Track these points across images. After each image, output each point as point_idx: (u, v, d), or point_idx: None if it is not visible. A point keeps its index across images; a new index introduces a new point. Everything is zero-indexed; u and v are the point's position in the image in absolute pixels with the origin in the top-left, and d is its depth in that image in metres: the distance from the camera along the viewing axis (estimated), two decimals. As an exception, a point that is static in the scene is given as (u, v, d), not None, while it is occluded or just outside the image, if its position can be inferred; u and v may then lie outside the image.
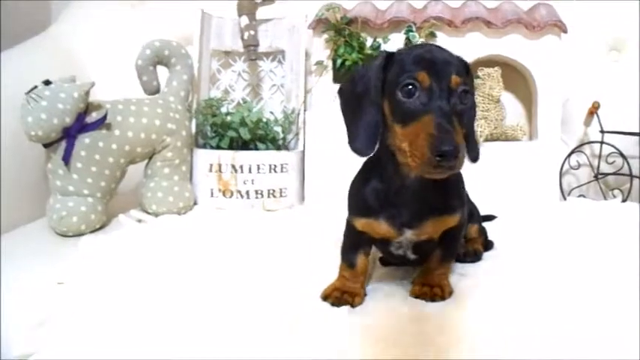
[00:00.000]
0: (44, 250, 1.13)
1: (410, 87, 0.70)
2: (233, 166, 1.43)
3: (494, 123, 1.50)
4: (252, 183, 1.44)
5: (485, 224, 1.11)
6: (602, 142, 1.57)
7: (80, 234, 1.22)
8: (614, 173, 1.56)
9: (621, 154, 1.52)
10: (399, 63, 0.73)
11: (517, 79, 1.59)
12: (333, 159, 1.46)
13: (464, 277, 0.92)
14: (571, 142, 1.64)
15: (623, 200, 1.51)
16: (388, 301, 0.81)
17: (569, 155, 1.60)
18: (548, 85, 1.50)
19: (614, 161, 1.55)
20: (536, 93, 1.52)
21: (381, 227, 0.80)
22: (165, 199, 1.37)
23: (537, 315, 0.76)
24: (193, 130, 1.52)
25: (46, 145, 1.23)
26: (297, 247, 1.12)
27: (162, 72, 1.50)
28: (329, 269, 0.91)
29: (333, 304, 0.79)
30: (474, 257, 1.00)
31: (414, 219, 0.79)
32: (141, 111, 1.35)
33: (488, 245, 1.08)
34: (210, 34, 1.64)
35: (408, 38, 1.44)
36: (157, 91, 1.48)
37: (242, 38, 1.59)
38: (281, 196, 1.48)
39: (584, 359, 0.65)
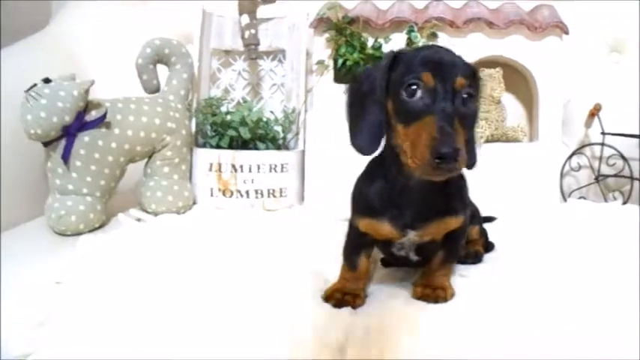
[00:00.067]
0: (43, 249, 1.12)
1: (414, 87, 0.69)
2: (233, 166, 1.43)
3: (494, 124, 1.50)
4: (252, 182, 1.43)
5: (485, 225, 1.11)
6: (602, 144, 1.57)
7: (79, 233, 1.21)
8: (614, 175, 1.56)
9: (622, 156, 1.52)
10: (405, 63, 0.72)
11: (518, 80, 1.59)
12: (333, 159, 1.46)
13: (465, 278, 0.92)
14: (571, 143, 1.64)
15: (624, 202, 1.51)
16: (390, 303, 0.81)
17: (570, 157, 1.60)
18: (550, 87, 1.50)
19: (614, 163, 1.55)
20: (537, 94, 1.52)
21: (383, 228, 0.79)
22: (164, 198, 1.36)
23: (538, 316, 0.76)
24: (193, 129, 1.51)
25: (45, 144, 1.22)
26: (297, 247, 1.12)
27: (162, 70, 1.49)
28: (329, 269, 0.91)
29: (334, 306, 0.79)
30: (475, 259, 1.00)
31: (417, 220, 0.78)
32: (140, 110, 1.34)
33: (488, 247, 1.08)
34: (211, 32, 1.63)
35: (409, 38, 1.44)
36: (156, 89, 1.47)
37: (242, 37, 1.58)
38: (281, 195, 1.47)
39: (585, 360, 0.65)
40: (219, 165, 1.43)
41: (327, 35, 1.51)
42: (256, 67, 1.69)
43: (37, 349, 0.71)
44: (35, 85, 1.19)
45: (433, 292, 0.82)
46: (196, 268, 0.96)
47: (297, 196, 1.52)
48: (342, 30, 1.47)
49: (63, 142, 1.21)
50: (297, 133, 1.57)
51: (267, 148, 1.48)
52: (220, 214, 1.38)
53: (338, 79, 1.52)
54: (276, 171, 1.45)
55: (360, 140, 0.76)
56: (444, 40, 1.47)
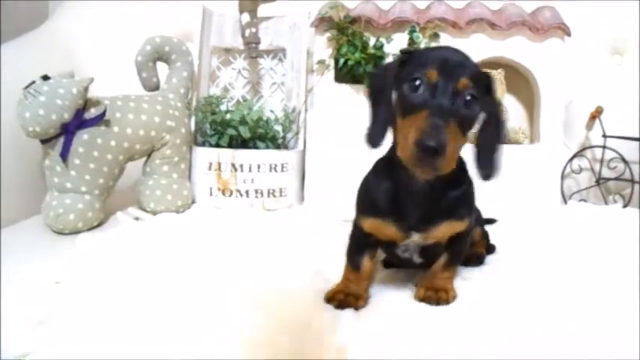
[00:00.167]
0: (41, 247, 1.12)
1: (417, 82, 0.70)
2: (233, 165, 1.42)
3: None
4: (252, 182, 1.42)
5: (486, 228, 1.11)
6: (604, 147, 1.56)
7: (77, 231, 1.20)
8: (615, 178, 1.55)
9: (623, 159, 1.52)
10: (415, 60, 0.73)
11: (519, 81, 1.59)
12: (333, 159, 1.46)
13: (467, 280, 0.92)
14: (573, 145, 1.64)
15: (624, 205, 1.51)
16: (392, 305, 0.81)
17: (571, 159, 1.59)
18: (551, 88, 1.49)
19: (615, 166, 1.55)
20: (538, 96, 1.52)
21: (388, 229, 0.79)
22: (163, 197, 1.35)
23: (539, 319, 0.76)
24: (192, 127, 1.50)
25: (43, 142, 1.21)
26: (297, 247, 1.12)
27: (161, 68, 1.48)
28: (329, 270, 0.90)
29: (336, 307, 0.78)
30: (477, 261, 1.00)
31: (422, 222, 0.78)
32: (140, 108, 1.33)
33: (490, 249, 1.08)
34: (211, 30, 1.62)
35: (411, 38, 1.43)
36: (156, 87, 1.46)
37: (243, 35, 1.57)
38: (281, 195, 1.46)
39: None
40: (219, 164, 1.42)
41: (328, 34, 1.50)
42: (256, 65, 1.68)
43: (36, 349, 0.71)
44: (33, 82, 1.18)
45: (435, 294, 0.81)
46: (195, 268, 0.96)
47: (297, 195, 1.52)
48: (344, 29, 1.46)
49: (61, 140, 1.20)
50: (298, 133, 1.56)
51: (267, 147, 1.47)
52: (219, 213, 1.37)
53: (339, 78, 1.51)
54: (276, 170, 1.44)
55: (370, 133, 0.78)
56: (446, 40, 1.47)
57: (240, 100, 1.66)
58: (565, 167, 1.58)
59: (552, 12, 1.48)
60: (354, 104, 1.47)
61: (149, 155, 1.38)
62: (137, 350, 0.69)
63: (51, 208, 1.19)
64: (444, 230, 0.79)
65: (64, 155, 1.20)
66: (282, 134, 1.52)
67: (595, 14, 1.67)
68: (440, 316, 0.77)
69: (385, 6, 1.57)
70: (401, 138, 0.70)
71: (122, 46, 1.63)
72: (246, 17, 1.56)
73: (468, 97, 0.70)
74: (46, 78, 1.19)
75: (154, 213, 1.34)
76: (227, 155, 1.42)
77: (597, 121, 1.60)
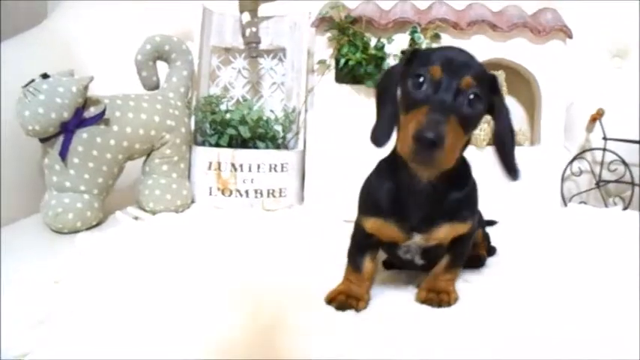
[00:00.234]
0: (40, 246, 1.11)
1: (421, 78, 0.70)
2: (232, 165, 1.41)
3: (496, 127, 1.49)
4: (252, 182, 1.42)
5: (486, 229, 1.11)
6: (604, 149, 1.56)
7: (76, 231, 1.19)
8: (615, 181, 1.55)
9: (623, 162, 1.52)
10: (420, 58, 0.73)
11: (519, 83, 1.58)
12: (333, 159, 1.45)
13: (468, 283, 0.92)
14: (573, 148, 1.64)
15: (624, 208, 1.51)
16: (393, 306, 0.81)
17: (571, 161, 1.59)
18: (553, 91, 1.49)
19: (616, 169, 1.54)
20: (539, 98, 1.51)
21: (390, 229, 0.79)
22: (162, 196, 1.35)
23: (541, 321, 0.76)
24: (192, 127, 1.50)
25: (43, 140, 1.21)
26: (296, 247, 1.11)
27: (162, 68, 1.47)
28: (328, 270, 0.90)
29: (337, 308, 0.78)
30: (478, 263, 0.99)
31: (424, 223, 0.78)
32: (140, 107, 1.33)
33: (490, 251, 1.08)
34: (211, 30, 1.62)
35: (412, 39, 1.43)
36: (156, 86, 1.46)
37: (243, 35, 1.57)
38: (280, 195, 1.46)
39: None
40: (219, 164, 1.42)
41: (329, 34, 1.49)
42: (256, 65, 1.68)
43: (35, 348, 0.70)
44: (33, 80, 1.18)
45: (437, 296, 0.81)
46: (194, 268, 0.96)
47: (297, 196, 1.51)
48: (345, 29, 1.45)
49: (61, 139, 1.20)
50: (298, 133, 1.56)
51: (267, 147, 1.47)
52: (219, 213, 1.37)
53: (339, 79, 1.51)
54: (275, 171, 1.44)
55: (375, 132, 0.78)
56: (447, 41, 1.46)
57: (240, 99, 1.66)
58: (565, 169, 1.57)
59: (554, 14, 1.48)
60: (355, 105, 1.46)
61: (148, 154, 1.38)
62: (136, 350, 0.68)
63: (50, 207, 1.19)
64: (446, 232, 0.79)
65: (63, 154, 1.19)
66: (282, 134, 1.52)
67: (596, 16, 1.67)
68: (441, 318, 0.77)
69: (386, 6, 1.56)
70: (402, 134, 0.70)
71: (122, 45, 1.62)
72: (246, 17, 1.55)
73: (472, 96, 0.70)
74: (45, 76, 1.19)
75: (153, 212, 1.34)
76: (227, 155, 1.42)
77: (598, 123, 1.59)
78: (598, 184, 1.58)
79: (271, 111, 1.55)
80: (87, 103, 1.23)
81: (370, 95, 1.46)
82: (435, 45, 1.44)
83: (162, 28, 1.56)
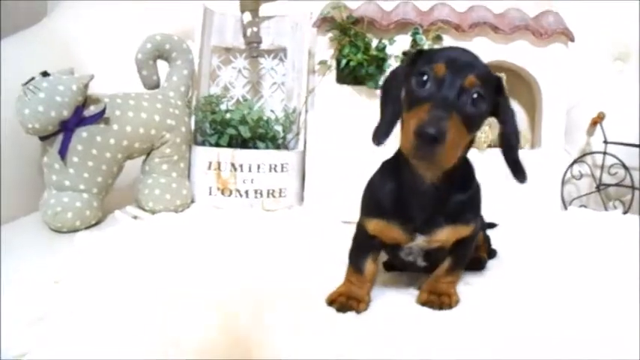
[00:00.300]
0: (39, 245, 1.11)
1: (424, 76, 0.70)
2: (232, 165, 1.41)
3: (497, 130, 1.49)
4: (252, 182, 1.41)
5: (487, 232, 1.10)
6: (604, 153, 1.56)
7: (75, 230, 1.19)
8: (616, 184, 1.55)
9: (624, 166, 1.51)
10: (425, 57, 0.73)
11: (520, 85, 1.58)
12: (333, 160, 1.45)
13: (469, 285, 0.91)
14: (573, 151, 1.64)
15: (625, 212, 1.51)
16: (394, 308, 0.81)
17: (572, 165, 1.59)
18: (554, 94, 1.49)
19: (616, 172, 1.54)
20: (540, 101, 1.51)
21: (392, 231, 0.79)
22: (162, 196, 1.34)
23: (541, 324, 0.76)
24: (192, 126, 1.49)
25: (42, 138, 1.20)
26: (296, 248, 1.11)
27: (162, 67, 1.47)
28: (328, 271, 0.90)
29: (338, 310, 0.78)
30: (479, 265, 0.99)
31: (426, 225, 0.78)
32: (140, 106, 1.32)
33: (491, 253, 1.07)
34: (212, 30, 1.61)
35: (414, 40, 1.43)
36: (156, 85, 1.45)
37: (244, 35, 1.57)
38: (280, 196, 1.46)
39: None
40: (219, 163, 1.41)
41: (330, 35, 1.49)
42: (257, 65, 1.67)
43: (35, 347, 0.70)
44: (33, 78, 1.17)
45: (438, 298, 0.81)
46: (194, 268, 0.95)
47: (297, 196, 1.51)
48: (346, 30, 1.45)
49: (60, 137, 1.19)
50: (298, 133, 1.55)
51: (267, 147, 1.46)
52: (219, 213, 1.36)
53: (340, 79, 1.50)
54: (276, 171, 1.44)
55: (376, 130, 0.78)
56: (448, 43, 1.46)
57: (241, 99, 1.65)
58: (566, 173, 1.57)
59: (556, 17, 1.47)
60: (356, 105, 1.46)
61: (148, 154, 1.37)
62: (136, 349, 0.68)
63: (49, 206, 1.18)
64: (449, 234, 0.79)
65: (63, 153, 1.19)
66: (282, 134, 1.52)
67: (598, 19, 1.67)
68: (442, 320, 0.77)
69: (388, 7, 1.56)
70: (404, 131, 0.70)
71: (122, 44, 1.62)
72: (247, 16, 1.55)
73: (475, 95, 0.70)
74: (45, 74, 1.18)
75: (153, 212, 1.33)
76: (227, 155, 1.41)
77: (598, 126, 1.59)
78: (598, 188, 1.58)
79: (272, 111, 1.55)
80: (87, 101, 1.23)
81: (371, 96, 1.46)
82: (437, 46, 1.44)
83: (163, 27, 1.55)
